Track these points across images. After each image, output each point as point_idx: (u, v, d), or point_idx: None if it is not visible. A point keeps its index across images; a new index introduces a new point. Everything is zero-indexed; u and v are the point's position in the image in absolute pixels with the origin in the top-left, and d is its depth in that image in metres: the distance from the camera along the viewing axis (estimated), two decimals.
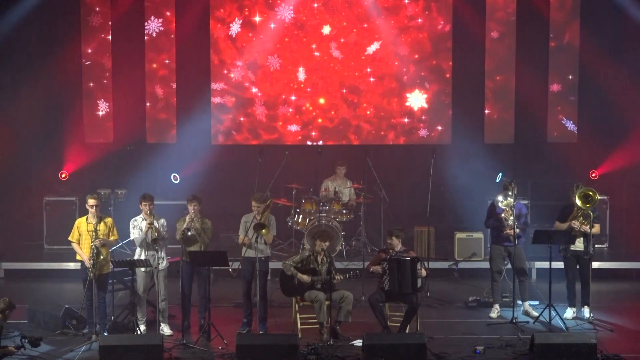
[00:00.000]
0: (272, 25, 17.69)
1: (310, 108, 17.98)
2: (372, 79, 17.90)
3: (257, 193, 13.09)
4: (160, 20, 17.78)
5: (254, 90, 17.95)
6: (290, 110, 17.97)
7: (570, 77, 17.84)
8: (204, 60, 17.87)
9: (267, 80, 17.92)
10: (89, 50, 17.78)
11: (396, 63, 17.85)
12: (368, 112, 17.98)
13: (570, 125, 17.83)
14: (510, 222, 13.14)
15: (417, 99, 17.95)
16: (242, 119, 18.01)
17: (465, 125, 17.84)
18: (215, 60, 17.89)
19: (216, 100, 17.95)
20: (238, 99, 17.98)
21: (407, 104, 17.97)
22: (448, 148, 17.69)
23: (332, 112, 18.01)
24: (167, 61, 17.87)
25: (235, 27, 17.76)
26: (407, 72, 17.90)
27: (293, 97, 17.94)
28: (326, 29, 17.76)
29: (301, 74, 17.83)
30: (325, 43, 17.80)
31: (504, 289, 13.79)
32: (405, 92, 17.96)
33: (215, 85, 17.93)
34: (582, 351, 11.22)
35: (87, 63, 17.80)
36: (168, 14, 17.78)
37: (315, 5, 17.74)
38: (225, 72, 17.92)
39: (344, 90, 17.94)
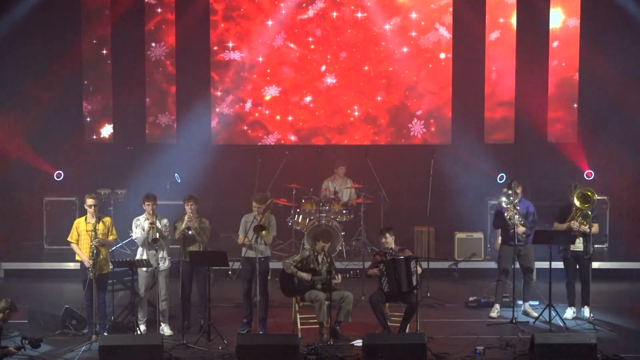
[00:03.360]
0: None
1: (312, 111, 18.03)
2: (370, 82, 17.93)
3: (258, 194, 13.09)
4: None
5: (254, 91, 17.99)
6: (290, 119, 18.03)
7: (570, 76, 17.84)
8: (204, 60, 17.88)
9: (269, 87, 17.96)
10: (90, 49, 17.79)
11: (394, 67, 17.87)
12: (369, 112, 18.00)
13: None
14: (514, 221, 13.13)
15: (417, 99, 17.97)
16: (242, 119, 18.02)
17: (465, 125, 17.85)
18: (216, 61, 17.93)
19: (216, 100, 17.97)
20: (238, 99, 18.00)
21: (407, 103, 17.99)
22: (448, 148, 17.69)
23: (334, 114, 18.03)
24: (167, 60, 17.88)
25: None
26: (407, 73, 17.91)
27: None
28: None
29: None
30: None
31: (504, 289, 13.78)
32: (405, 91, 17.96)
33: (215, 85, 17.96)
34: (582, 351, 11.22)
35: (87, 62, 17.81)
36: (169, 6, 17.84)
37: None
38: (225, 72, 17.95)
39: (345, 94, 17.97)
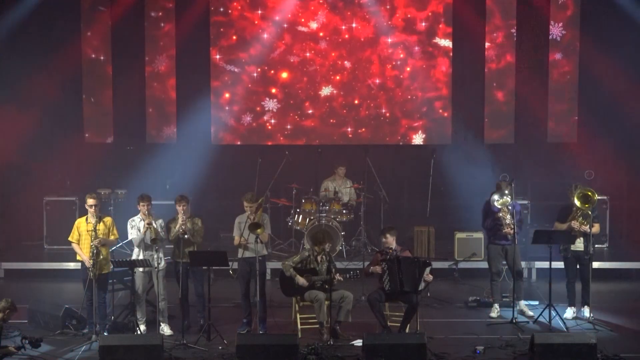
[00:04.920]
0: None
1: (311, 111, 18.04)
2: (370, 82, 17.93)
3: (249, 193, 13.04)
4: (161, 24, 17.84)
5: (254, 90, 18.00)
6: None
7: (570, 76, 17.85)
8: (204, 60, 17.87)
9: (269, 81, 17.97)
10: (90, 49, 17.79)
11: (395, 67, 17.87)
12: (369, 112, 18.01)
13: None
14: (507, 221, 13.13)
15: (417, 99, 17.97)
16: (242, 118, 18.02)
17: (465, 125, 17.85)
18: (216, 61, 17.92)
19: (216, 100, 17.97)
20: (238, 99, 18.01)
21: (406, 103, 18.00)
22: (448, 148, 17.69)
23: (333, 112, 18.03)
24: (167, 61, 17.87)
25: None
26: (407, 73, 17.91)
27: (293, 101, 18.01)
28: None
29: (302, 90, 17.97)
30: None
31: (503, 288, 13.78)
32: (405, 91, 17.97)
33: (215, 85, 17.96)
34: (582, 351, 11.21)
35: (87, 62, 17.80)
36: (169, 6, 17.84)
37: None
38: (224, 72, 17.95)
39: (346, 94, 17.98)
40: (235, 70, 17.92)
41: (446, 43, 17.82)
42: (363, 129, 18.06)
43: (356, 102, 18.00)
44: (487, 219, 13.41)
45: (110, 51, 17.80)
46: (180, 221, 12.64)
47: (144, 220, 12.60)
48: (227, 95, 18.02)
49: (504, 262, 13.55)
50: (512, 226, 13.11)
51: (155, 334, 11.96)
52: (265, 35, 17.81)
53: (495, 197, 13.22)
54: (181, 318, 12.76)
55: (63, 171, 17.33)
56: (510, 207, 13.18)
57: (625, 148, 17.28)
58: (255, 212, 12.69)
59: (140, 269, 12.53)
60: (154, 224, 12.55)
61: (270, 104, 18.00)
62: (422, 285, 12.35)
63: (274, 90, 17.99)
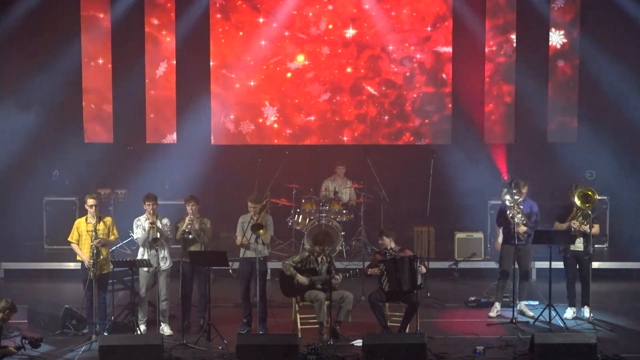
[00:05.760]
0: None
1: (312, 112, 18.04)
2: (371, 83, 17.93)
3: (253, 194, 13.08)
4: (162, 30, 17.86)
5: (254, 91, 17.99)
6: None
7: (570, 77, 17.84)
8: (204, 60, 17.87)
9: (270, 82, 17.96)
10: (90, 49, 17.79)
11: (395, 68, 17.87)
12: (368, 113, 18.01)
13: None
14: (516, 220, 13.12)
15: (416, 100, 17.97)
16: (243, 119, 18.02)
17: (465, 125, 17.85)
18: (216, 62, 17.92)
19: (217, 100, 17.97)
20: (238, 99, 18.01)
21: (407, 103, 18.00)
22: (448, 148, 17.69)
23: (333, 113, 18.03)
24: (167, 62, 17.87)
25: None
26: (407, 73, 17.91)
27: (297, 100, 18.00)
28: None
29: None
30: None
31: (505, 288, 13.76)
32: (405, 92, 17.97)
33: (215, 85, 17.95)
34: (582, 351, 11.21)
35: (87, 62, 17.80)
36: (168, 5, 17.82)
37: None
38: (225, 73, 17.94)
39: (345, 93, 17.97)
40: (235, 70, 17.90)
41: (447, 44, 17.81)
42: (363, 129, 18.05)
43: (356, 102, 17.99)
44: (499, 217, 13.44)
45: (111, 53, 17.78)
46: (187, 221, 12.65)
47: (149, 220, 12.61)
48: (227, 95, 18.00)
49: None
50: (514, 226, 13.06)
51: (155, 334, 11.96)
52: (266, 36, 17.79)
53: (507, 197, 13.25)
54: (181, 318, 12.77)
55: (64, 171, 17.32)
56: (522, 207, 13.18)
57: (625, 148, 17.28)
58: (259, 213, 12.70)
59: (145, 269, 12.54)
60: (158, 224, 12.55)
61: (271, 105, 17.98)
62: (420, 280, 12.35)
63: (275, 91, 17.97)
